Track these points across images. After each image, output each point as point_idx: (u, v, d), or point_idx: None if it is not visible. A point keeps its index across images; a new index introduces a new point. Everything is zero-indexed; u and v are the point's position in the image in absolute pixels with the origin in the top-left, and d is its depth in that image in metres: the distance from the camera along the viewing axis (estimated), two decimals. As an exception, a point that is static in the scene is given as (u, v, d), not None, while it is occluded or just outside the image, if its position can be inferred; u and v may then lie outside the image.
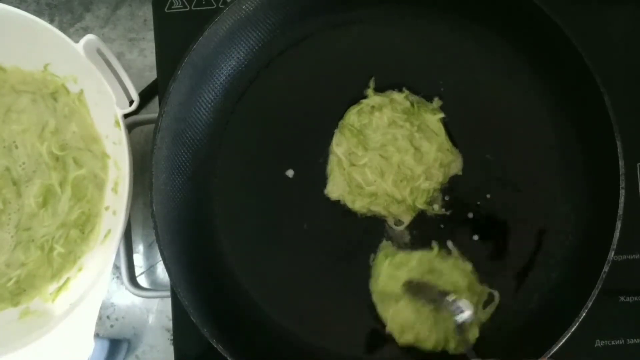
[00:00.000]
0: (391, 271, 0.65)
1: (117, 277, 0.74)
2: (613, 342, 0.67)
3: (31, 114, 0.69)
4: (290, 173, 0.68)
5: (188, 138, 0.67)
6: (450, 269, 0.65)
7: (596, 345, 0.67)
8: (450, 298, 0.60)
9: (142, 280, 0.74)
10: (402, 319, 0.64)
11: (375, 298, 0.66)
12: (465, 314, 0.59)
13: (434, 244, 0.66)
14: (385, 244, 0.67)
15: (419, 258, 0.65)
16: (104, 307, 0.74)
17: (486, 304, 0.65)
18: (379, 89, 0.69)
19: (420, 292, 0.63)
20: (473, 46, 0.68)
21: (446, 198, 0.67)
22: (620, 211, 0.58)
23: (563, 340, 0.57)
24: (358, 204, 0.67)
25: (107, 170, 0.68)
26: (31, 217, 0.69)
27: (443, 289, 0.63)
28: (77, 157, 0.69)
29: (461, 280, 0.64)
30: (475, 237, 0.66)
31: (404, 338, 0.64)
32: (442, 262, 0.65)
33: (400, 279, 0.64)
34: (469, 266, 0.65)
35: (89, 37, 0.59)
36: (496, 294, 0.65)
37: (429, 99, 0.68)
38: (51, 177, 0.69)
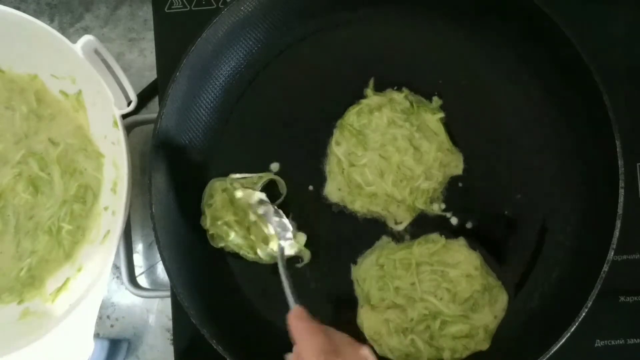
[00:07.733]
0: (380, 276, 0.65)
1: (117, 277, 0.74)
2: (613, 342, 0.67)
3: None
4: (289, 172, 0.68)
5: (187, 139, 0.67)
6: (458, 260, 0.64)
7: (596, 345, 0.67)
8: None
9: (142, 280, 0.74)
10: (372, 328, 0.64)
11: (360, 301, 0.66)
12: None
13: (438, 236, 0.66)
14: (385, 240, 0.67)
15: (419, 253, 0.65)
16: (104, 307, 0.74)
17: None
18: (379, 88, 0.68)
19: None
20: (473, 46, 0.68)
21: (446, 198, 0.67)
22: (620, 211, 0.58)
23: (563, 340, 0.57)
24: (358, 205, 0.67)
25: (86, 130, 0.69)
26: (32, 208, 0.69)
27: None
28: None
29: (472, 269, 0.64)
30: (475, 237, 0.66)
31: (378, 349, 0.64)
32: (448, 252, 0.65)
33: (390, 286, 0.64)
34: (477, 259, 0.65)
35: (87, 37, 0.58)
36: (504, 296, 0.65)
37: (429, 98, 0.68)
38: (31, 167, 0.69)
